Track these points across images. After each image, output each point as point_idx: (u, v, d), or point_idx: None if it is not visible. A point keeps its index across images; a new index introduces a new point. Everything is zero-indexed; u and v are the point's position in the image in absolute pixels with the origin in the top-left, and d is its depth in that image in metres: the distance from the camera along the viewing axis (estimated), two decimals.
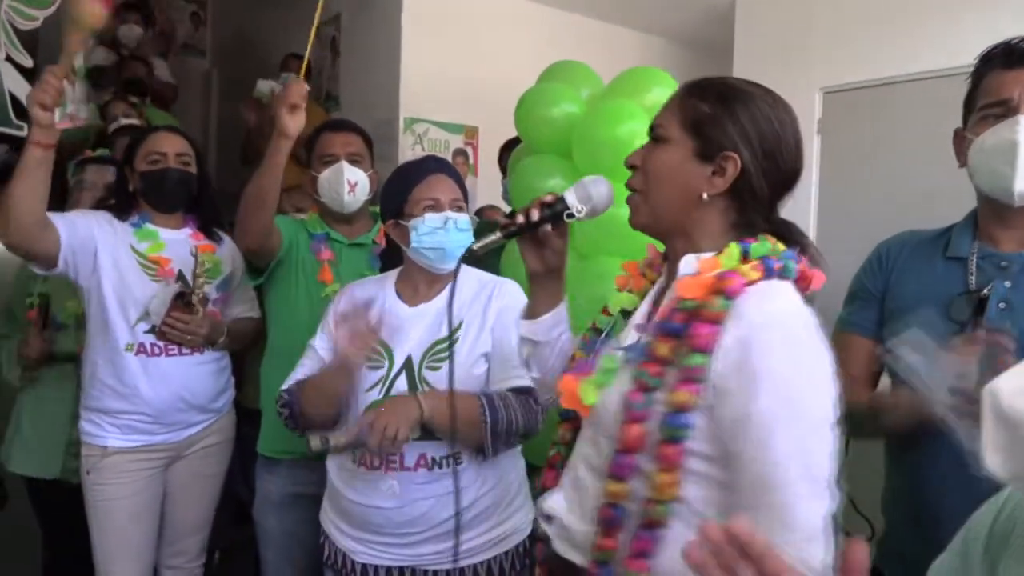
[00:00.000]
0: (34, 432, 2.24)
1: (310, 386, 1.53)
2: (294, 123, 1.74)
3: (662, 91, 2.11)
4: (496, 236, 1.09)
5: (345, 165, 1.98)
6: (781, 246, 0.99)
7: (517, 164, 2.29)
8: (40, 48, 4.42)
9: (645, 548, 0.93)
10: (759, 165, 0.99)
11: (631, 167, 1.06)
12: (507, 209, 2.92)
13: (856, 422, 1.07)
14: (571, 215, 1.08)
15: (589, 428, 1.05)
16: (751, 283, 0.93)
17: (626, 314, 1.12)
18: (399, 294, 1.62)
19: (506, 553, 1.55)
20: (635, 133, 1.99)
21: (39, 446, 2.22)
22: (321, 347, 1.61)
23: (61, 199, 2.33)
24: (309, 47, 1.93)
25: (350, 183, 1.98)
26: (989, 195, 1.27)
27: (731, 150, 0.98)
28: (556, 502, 1.06)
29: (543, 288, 1.16)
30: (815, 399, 0.89)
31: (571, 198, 1.07)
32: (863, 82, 3.42)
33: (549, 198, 1.08)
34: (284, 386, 1.58)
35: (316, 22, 1.85)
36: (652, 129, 1.05)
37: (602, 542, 0.96)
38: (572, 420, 1.13)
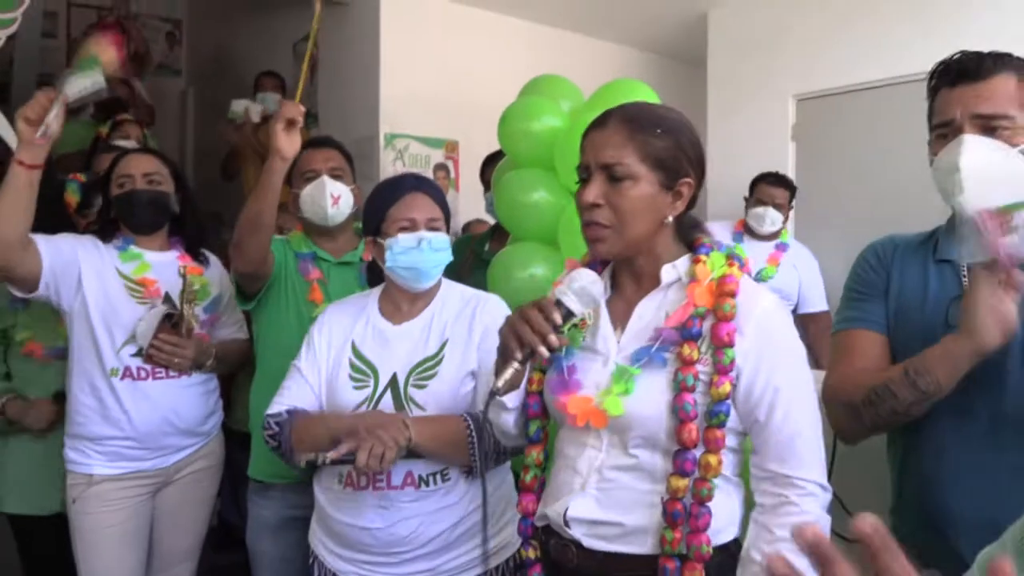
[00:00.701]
0: (26, 469, 2.16)
1: (304, 430, 1.48)
2: (290, 144, 1.73)
3: None
4: (515, 368, 1.12)
5: (327, 179, 1.98)
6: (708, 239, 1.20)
7: (501, 178, 2.31)
8: (16, 72, 4.39)
9: (705, 522, 1.10)
10: (698, 181, 1.18)
11: (593, 206, 1.14)
12: (491, 222, 2.93)
13: (886, 399, 1.20)
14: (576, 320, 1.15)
15: (611, 435, 1.16)
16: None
17: (573, 326, 1.20)
18: (382, 312, 1.62)
19: (496, 568, 1.55)
20: None
21: (35, 484, 2.14)
22: (306, 368, 1.58)
23: (57, 218, 2.27)
24: (305, 67, 1.93)
25: (333, 196, 1.97)
26: (953, 208, 1.30)
27: (686, 176, 1.16)
28: (584, 506, 1.16)
29: (523, 369, 1.20)
30: (807, 365, 1.16)
31: (576, 306, 1.12)
32: (836, 88, 3.48)
33: (558, 318, 1.11)
34: (272, 411, 1.54)
35: (313, 37, 1.84)
36: (607, 167, 1.13)
37: (674, 535, 1.10)
38: (541, 443, 1.26)
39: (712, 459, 1.10)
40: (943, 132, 1.27)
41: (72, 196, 2.65)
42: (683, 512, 1.10)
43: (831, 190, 3.43)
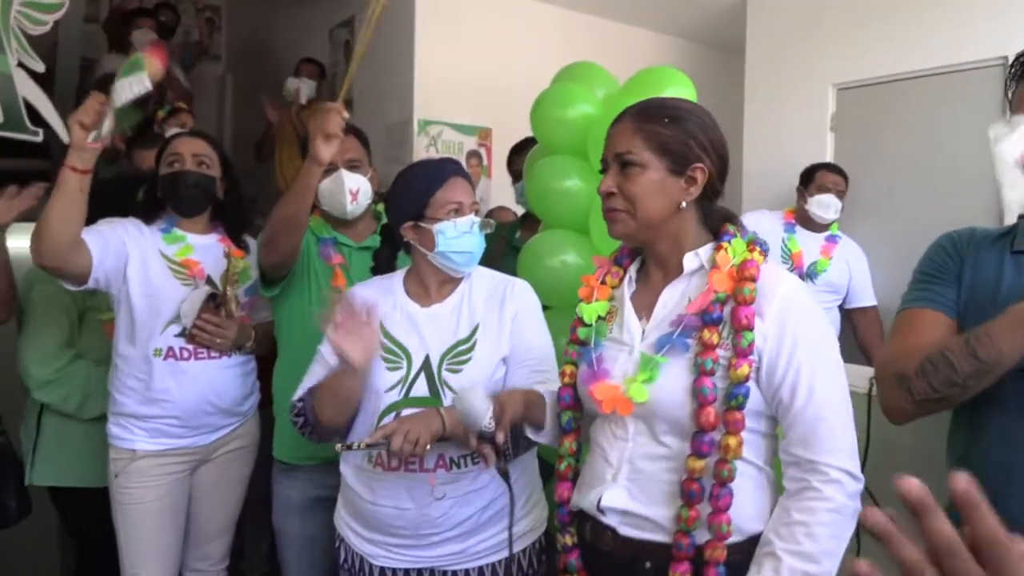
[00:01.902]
0: (66, 442, 2.21)
1: (322, 392, 1.51)
2: (328, 151, 1.72)
3: (677, 90, 2.11)
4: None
5: (345, 174, 1.94)
6: (734, 226, 1.23)
7: (533, 165, 2.31)
8: (59, 56, 4.47)
9: (725, 503, 1.12)
10: (715, 167, 1.21)
11: (608, 194, 1.22)
12: (519, 211, 2.93)
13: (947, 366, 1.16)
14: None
15: (638, 423, 1.20)
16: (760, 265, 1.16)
17: (600, 318, 1.30)
18: (409, 294, 1.61)
19: (523, 551, 1.56)
20: None
21: (78, 457, 2.19)
22: (329, 352, 1.58)
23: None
24: (354, 63, 1.89)
25: (351, 192, 1.95)
26: None
27: (697, 162, 1.19)
28: (616, 497, 1.20)
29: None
30: (835, 351, 1.16)
31: (479, 421, 1.27)
32: (876, 78, 3.41)
33: (488, 451, 1.32)
34: (296, 396, 1.56)
35: (372, 24, 1.84)
36: (618, 156, 1.20)
37: (689, 513, 1.12)
38: (574, 432, 1.32)
39: (731, 440, 1.12)
40: None
41: None
42: (699, 492, 1.13)
43: (871, 182, 3.36)
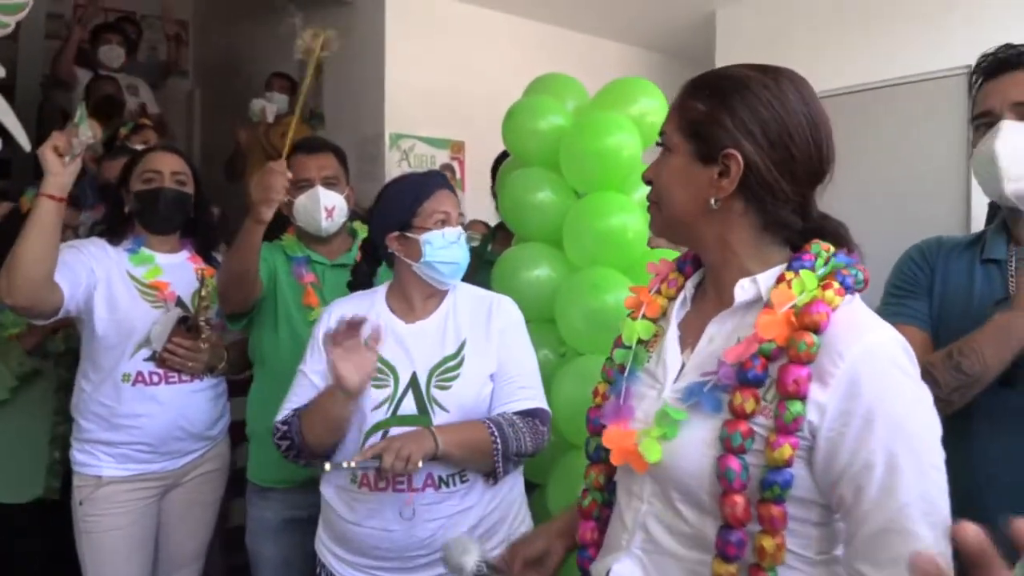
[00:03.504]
0: (10, 457, 2.19)
1: (311, 415, 1.47)
2: (270, 212, 1.74)
3: (648, 101, 2.12)
4: None
5: (321, 191, 1.93)
6: (828, 247, 0.92)
7: (506, 177, 2.29)
8: (19, 73, 4.39)
9: None
10: (768, 157, 0.89)
11: (648, 182, 1.00)
12: (493, 223, 2.91)
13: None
14: None
15: (653, 484, 0.95)
16: (835, 309, 0.85)
17: (641, 341, 1.03)
18: (392, 310, 1.59)
19: None
20: (623, 144, 2.00)
21: (17, 470, 2.18)
22: (311, 371, 1.56)
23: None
24: (298, 108, 1.87)
25: (327, 209, 1.93)
26: (997, 201, 1.30)
27: (731, 147, 0.89)
28: (625, 569, 0.95)
29: None
30: (931, 435, 0.83)
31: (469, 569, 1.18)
32: (843, 88, 3.45)
33: None
34: (280, 417, 1.52)
35: (311, 69, 1.83)
36: (660, 137, 0.98)
37: None
38: (603, 463, 1.06)
39: (767, 542, 0.83)
40: (983, 123, 1.27)
41: (28, 202, 2.56)
42: None
43: (838, 190, 3.39)
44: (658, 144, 0.99)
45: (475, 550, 1.19)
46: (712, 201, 0.92)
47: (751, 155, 0.89)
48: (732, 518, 0.84)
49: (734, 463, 0.84)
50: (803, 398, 0.82)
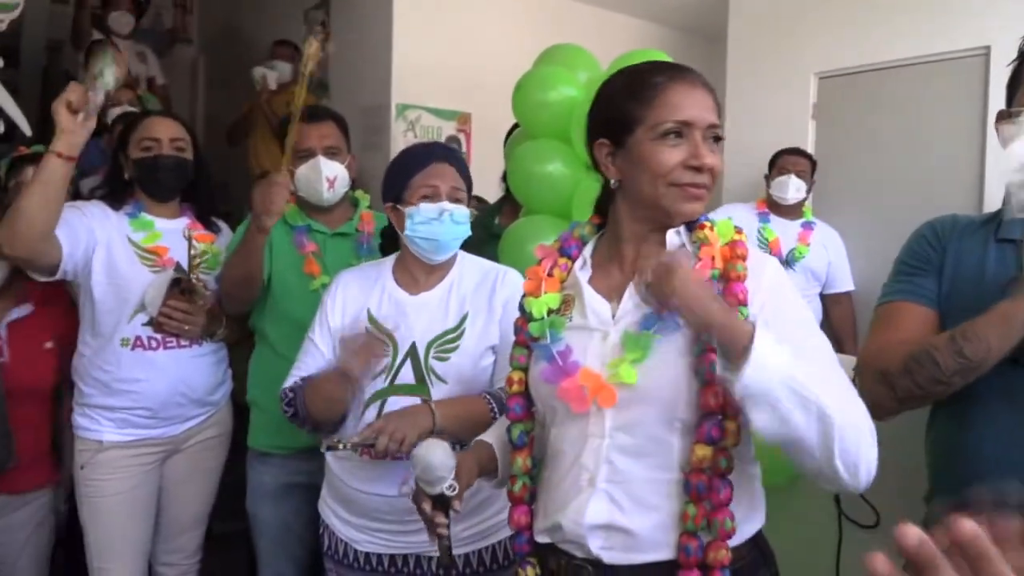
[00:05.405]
0: None
1: (313, 392, 1.49)
2: (272, 223, 1.78)
3: None
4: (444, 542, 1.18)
5: (323, 160, 1.93)
6: None
7: (515, 149, 2.26)
8: (24, 37, 4.34)
9: (727, 496, 1.02)
10: (615, 142, 1.13)
11: (709, 169, 1.10)
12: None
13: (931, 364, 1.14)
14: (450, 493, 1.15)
15: (616, 416, 1.06)
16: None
17: (551, 311, 1.16)
18: (398, 282, 1.60)
19: (499, 543, 1.55)
20: None
21: None
22: (320, 340, 1.58)
23: None
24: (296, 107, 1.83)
25: (328, 179, 1.93)
26: None
27: (597, 137, 1.15)
28: (600, 509, 1.05)
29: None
30: (812, 317, 1.13)
31: (434, 488, 1.13)
32: (858, 67, 3.40)
33: (441, 518, 1.16)
34: (287, 384, 1.55)
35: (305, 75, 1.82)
36: (712, 128, 1.11)
37: (696, 510, 1.01)
38: (526, 448, 1.17)
39: (731, 424, 1.02)
40: None
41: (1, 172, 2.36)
42: (707, 485, 1.01)
43: (852, 170, 3.36)
44: (717, 139, 1.12)
45: (450, 457, 1.14)
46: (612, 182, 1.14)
47: (603, 145, 1.14)
48: (712, 405, 1.00)
49: (715, 358, 0.99)
50: (747, 305, 1.05)
